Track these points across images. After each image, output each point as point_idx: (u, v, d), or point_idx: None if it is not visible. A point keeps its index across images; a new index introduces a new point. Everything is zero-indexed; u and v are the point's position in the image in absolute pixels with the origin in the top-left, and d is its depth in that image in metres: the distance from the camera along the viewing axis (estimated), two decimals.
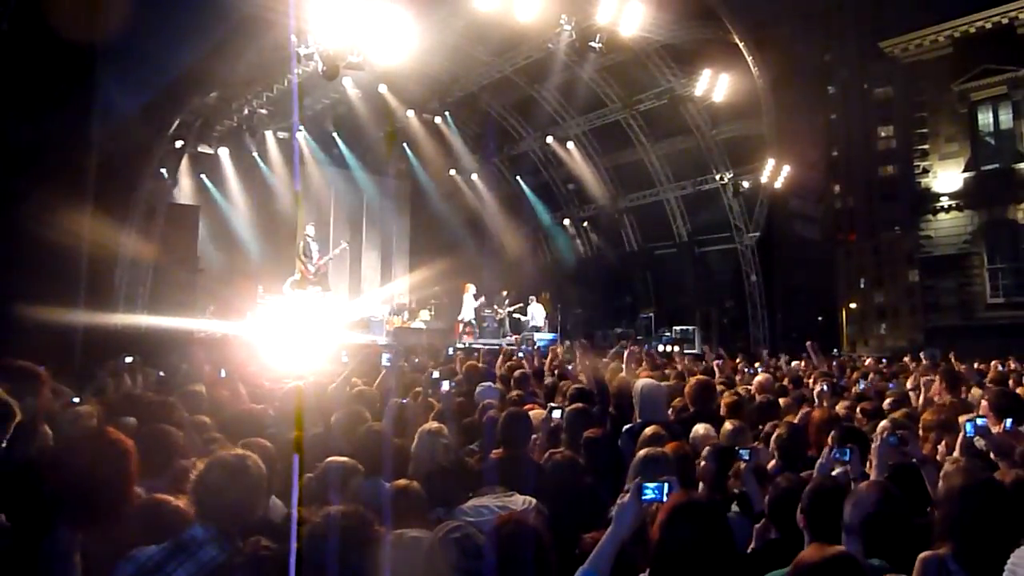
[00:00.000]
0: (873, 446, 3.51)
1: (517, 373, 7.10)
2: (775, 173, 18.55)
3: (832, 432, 3.91)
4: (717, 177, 19.89)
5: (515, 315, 19.92)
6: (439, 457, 3.82)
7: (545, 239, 25.53)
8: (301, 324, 14.88)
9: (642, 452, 3.45)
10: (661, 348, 13.20)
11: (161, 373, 7.33)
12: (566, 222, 24.54)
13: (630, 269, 23.55)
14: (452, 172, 23.81)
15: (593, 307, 23.25)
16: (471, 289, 19.27)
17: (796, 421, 4.90)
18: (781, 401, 5.78)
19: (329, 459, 3.41)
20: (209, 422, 4.25)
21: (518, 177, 24.57)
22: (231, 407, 5.07)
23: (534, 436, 4.37)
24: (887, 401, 5.63)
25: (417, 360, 9.15)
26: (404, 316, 19.24)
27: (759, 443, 4.24)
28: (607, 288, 22.52)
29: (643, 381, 5.11)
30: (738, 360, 12.86)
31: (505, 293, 21.08)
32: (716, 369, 8.66)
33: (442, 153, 24.20)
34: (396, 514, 2.82)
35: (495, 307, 20.89)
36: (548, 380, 7.33)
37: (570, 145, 22.29)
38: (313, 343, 13.92)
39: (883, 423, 4.24)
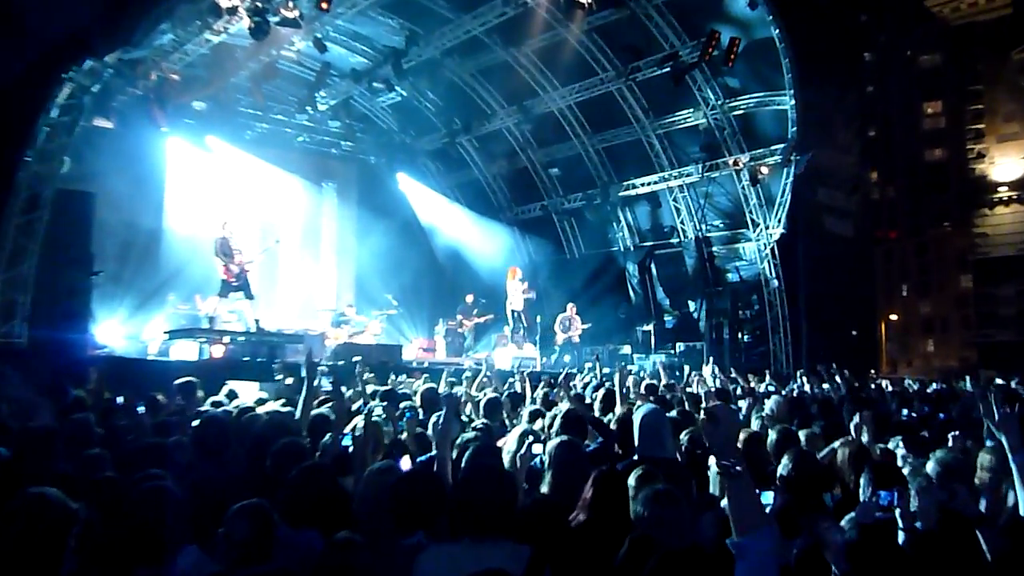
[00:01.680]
0: (915, 490, 3.48)
1: (485, 397, 7.09)
2: (800, 157, 18.75)
3: (864, 470, 3.95)
4: (730, 161, 20.07)
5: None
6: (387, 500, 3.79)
7: (522, 235, 25.67)
8: (221, 338, 14.80)
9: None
10: (662, 375, 13.21)
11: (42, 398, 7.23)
12: (546, 214, 24.72)
13: (625, 273, 23.74)
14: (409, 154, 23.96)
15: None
16: (518, 274, 20.07)
17: (820, 456, 4.94)
18: (801, 435, 5.75)
19: (241, 505, 3.40)
20: (102, 457, 4.19)
21: (490, 160, 24.72)
22: (130, 439, 5.01)
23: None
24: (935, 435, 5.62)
25: (366, 380, 9.12)
26: (351, 326, 19.29)
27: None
28: (597, 296, 22.62)
29: (644, 408, 5.12)
30: (750, 381, 12.97)
31: (471, 299, 21.22)
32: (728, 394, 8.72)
33: (397, 130, 24.39)
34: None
35: (459, 317, 21.04)
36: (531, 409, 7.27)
37: (553, 121, 22.44)
38: (236, 360, 13.92)
39: (930, 464, 4.28)
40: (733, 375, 14.67)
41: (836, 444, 5.00)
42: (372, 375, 10.01)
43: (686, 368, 14.68)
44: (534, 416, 6.66)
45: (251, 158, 22.02)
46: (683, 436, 5.51)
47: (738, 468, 2.63)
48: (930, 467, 4.31)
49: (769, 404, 8.30)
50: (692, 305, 22.56)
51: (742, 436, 5.47)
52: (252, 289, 15.55)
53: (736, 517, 2.66)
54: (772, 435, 5.54)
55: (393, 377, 11.50)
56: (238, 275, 15.22)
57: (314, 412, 5.98)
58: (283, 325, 19.14)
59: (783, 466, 4.19)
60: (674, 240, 22.76)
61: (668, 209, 22.58)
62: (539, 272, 24.44)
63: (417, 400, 7.73)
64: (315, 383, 6.20)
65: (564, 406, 6.43)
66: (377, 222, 23.52)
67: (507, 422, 7.18)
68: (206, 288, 16.83)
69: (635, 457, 4.79)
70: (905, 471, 4.26)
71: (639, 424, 4.90)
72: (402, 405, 6.84)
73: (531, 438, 4.66)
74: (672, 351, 21.18)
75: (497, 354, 18.87)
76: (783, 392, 10.42)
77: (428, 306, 24.41)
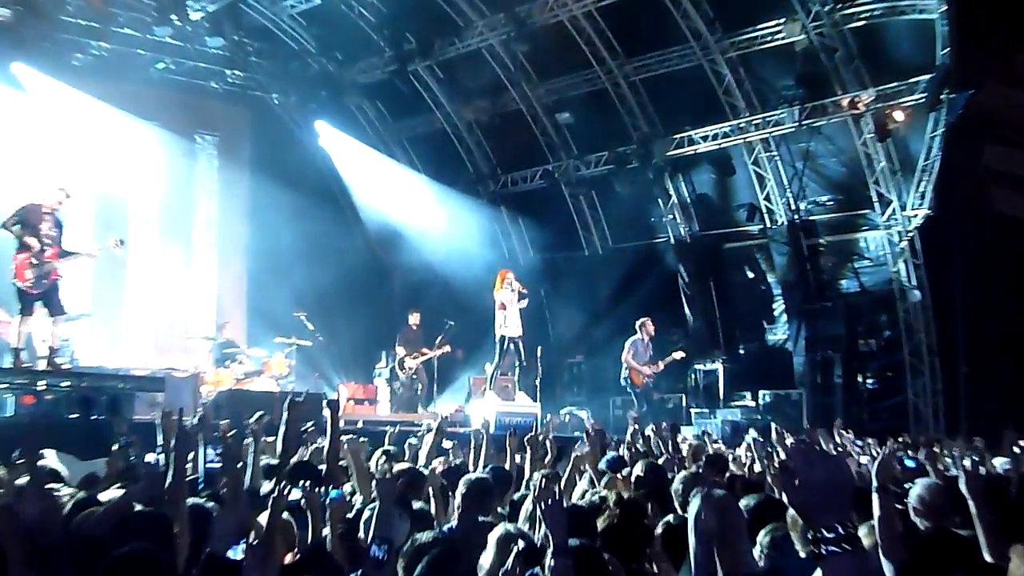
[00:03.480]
0: None
1: (469, 477, 7.17)
2: (956, 96, 18.59)
3: None
4: (844, 102, 19.90)
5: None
6: None
7: (513, 219, 25.48)
8: (32, 382, 14.52)
9: None
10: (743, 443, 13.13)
11: None
12: (551, 186, 24.58)
13: (677, 279, 23.65)
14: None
15: (599, 348, 23.35)
16: (512, 281, 19.24)
17: None
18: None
19: None
20: None
21: (462, 99, 24.55)
22: None
23: None
24: None
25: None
26: (242, 364, 19.11)
27: None
28: (631, 317, 22.44)
29: (706, 495, 4.98)
30: (887, 448, 12.84)
31: (416, 321, 21.37)
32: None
33: (314, 51, 24.17)
34: None
35: (400, 351, 20.88)
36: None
37: (563, 38, 22.28)
38: (53, 418, 13.64)
39: None
40: (848, 441, 14.48)
41: None
42: (273, 439, 9.81)
43: (773, 431, 14.52)
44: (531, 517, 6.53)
45: (81, 96, 21.75)
46: (763, 536, 5.47)
47: None
48: None
49: (916, 491, 8.14)
50: (783, 330, 22.48)
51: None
52: (62, 302, 15.13)
53: None
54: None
55: (308, 446, 11.27)
56: (39, 278, 14.73)
57: (191, 502, 5.98)
58: (132, 361, 18.89)
59: None
60: (754, 227, 22.65)
61: (745, 178, 22.44)
62: (539, 278, 24.31)
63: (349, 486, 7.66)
64: (187, 459, 6.05)
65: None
66: (282, 196, 23.21)
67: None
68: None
69: None
70: None
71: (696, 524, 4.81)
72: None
73: (519, 545, 4.76)
74: (751, 402, 21.16)
75: (475, 407, 18.78)
76: (942, 469, 10.20)
77: (364, 331, 24.32)
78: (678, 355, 20.38)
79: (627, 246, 24.53)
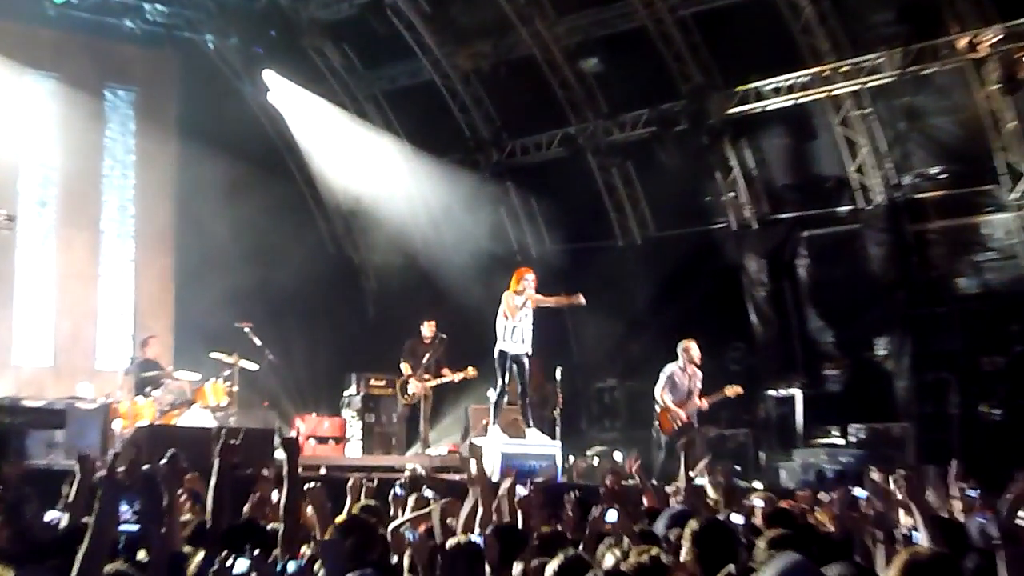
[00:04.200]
0: None
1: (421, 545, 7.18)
2: None
3: None
4: (960, 43, 19.90)
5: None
6: None
7: (524, 198, 25.51)
8: None
9: None
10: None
11: None
12: (573, 155, 24.55)
13: (741, 277, 23.68)
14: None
15: (636, 369, 23.31)
16: (530, 282, 19.03)
17: None
18: None
19: None
20: None
21: (453, 41, 24.54)
22: None
23: None
24: None
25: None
26: (168, 391, 19.10)
27: None
28: (680, 326, 22.48)
29: (780, 565, 5.23)
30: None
31: (432, 331, 21.24)
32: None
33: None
34: None
35: (406, 372, 20.84)
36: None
37: None
38: None
39: None
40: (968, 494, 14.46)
41: None
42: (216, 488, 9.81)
43: (872, 474, 14.53)
44: None
45: None
46: None
47: None
48: None
49: None
50: (881, 345, 22.38)
51: None
52: None
53: None
54: None
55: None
56: None
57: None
58: (24, 388, 18.90)
59: None
60: (842, 208, 22.69)
61: (830, 144, 22.46)
62: (557, 277, 24.02)
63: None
64: (115, 522, 6.00)
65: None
66: (220, 170, 23.36)
67: None
68: None
69: None
70: None
71: None
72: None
73: None
74: (839, 439, 21.13)
75: (476, 445, 18.77)
76: None
77: (329, 348, 24.48)
78: (731, 391, 20.02)
79: (673, 234, 24.60)
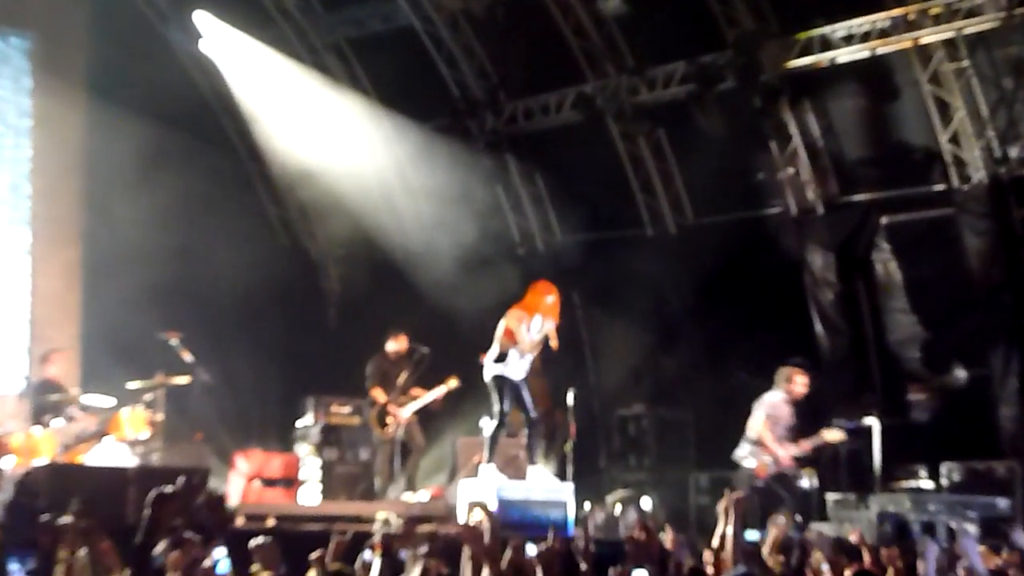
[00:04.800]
0: None
1: None
2: None
3: None
4: None
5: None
6: None
7: (529, 176, 25.44)
8: None
9: None
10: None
11: None
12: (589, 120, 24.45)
13: (794, 275, 23.49)
14: None
15: (670, 393, 23.22)
16: (550, 299, 18.87)
17: None
18: None
19: None
20: None
21: None
22: None
23: None
24: None
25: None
26: (70, 421, 18.98)
27: None
28: (727, 335, 22.40)
29: None
30: None
31: (398, 347, 21.13)
32: None
33: None
34: None
35: (378, 392, 20.80)
36: None
37: None
38: None
39: None
40: None
41: None
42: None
43: (970, 528, 14.53)
44: None
45: None
46: None
47: None
48: None
49: None
50: (981, 362, 22.24)
51: None
52: None
53: None
54: None
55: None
56: None
57: None
58: None
59: None
60: (932, 188, 22.62)
61: (915, 106, 22.39)
62: (572, 275, 24.22)
63: None
64: None
65: None
66: (140, 137, 23.22)
67: None
68: None
69: None
70: None
71: None
72: None
73: None
74: (927, 481, 21.14)
75: (463, 488, 18.71)
76: None
77: (280, 366, 24.48)
78: (834, 436, 19.99)
79: (716, 222, 24.63)
